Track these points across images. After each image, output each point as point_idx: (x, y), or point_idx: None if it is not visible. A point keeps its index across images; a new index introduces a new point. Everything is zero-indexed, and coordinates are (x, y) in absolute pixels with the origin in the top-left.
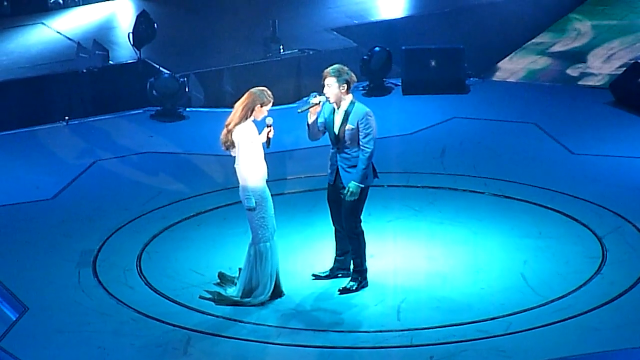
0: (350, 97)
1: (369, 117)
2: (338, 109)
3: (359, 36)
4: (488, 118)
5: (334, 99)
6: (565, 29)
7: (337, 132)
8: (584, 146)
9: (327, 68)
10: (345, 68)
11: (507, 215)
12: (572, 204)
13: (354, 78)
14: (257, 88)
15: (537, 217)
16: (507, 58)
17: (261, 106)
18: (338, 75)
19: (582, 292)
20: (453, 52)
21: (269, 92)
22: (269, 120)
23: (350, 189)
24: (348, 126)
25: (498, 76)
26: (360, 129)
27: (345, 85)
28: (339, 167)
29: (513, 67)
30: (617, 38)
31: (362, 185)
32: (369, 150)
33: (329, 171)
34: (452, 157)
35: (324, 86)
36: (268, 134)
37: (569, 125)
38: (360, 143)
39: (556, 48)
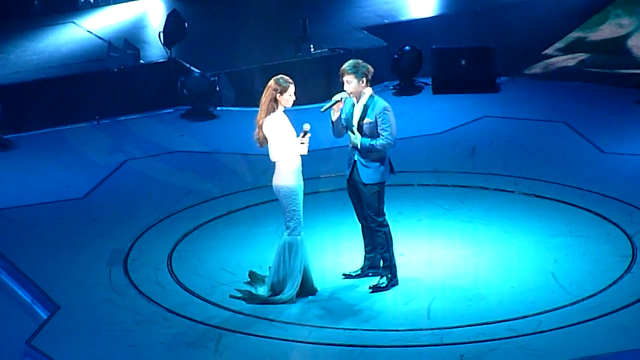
0: (369, 90)
1: (387, 112)
2: (357, 102)
3: (389, 35)
4: (518, 117)
5: (355, 93)
6: (603, 23)
7: (356, 126)
8: (614, 145)
9: (342, 65)
10: (360, 61)
11: (538, 214)
12: (602, 202)
13: (371, 69)
14: (273, 78)
15: (568, 216)
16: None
17: (281, 94)
18: (355, 70)
19: (613, 290)
20: (483, 51)
21: (285, 77)
22: (306, 127)
23: (355, 143)
24: (366, 120)
25: (529, 74)
26: (378, 123)
27: (364, 79)
28: (357, 161)
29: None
30: None
31: (366, 145)
32: (388, 140)
33: (346, 166)
34: (482, 156)
35: (343, 83)
36: (302, 140)
37: (599, 124)
38: (381, 136)
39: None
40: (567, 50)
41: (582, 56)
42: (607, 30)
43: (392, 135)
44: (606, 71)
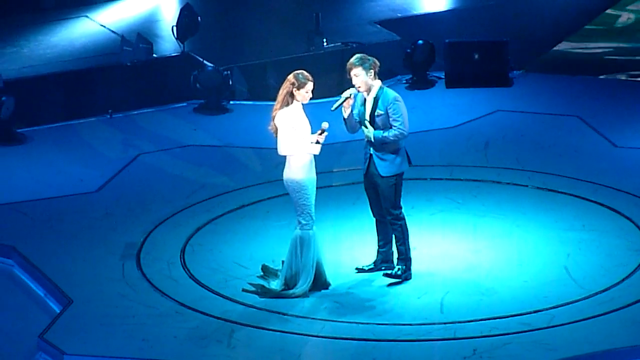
0: (378, 82)
1: (398, 102)
2: (368, 95)
3: (402, 29)
4: (531, 111)
5: (364, 87)
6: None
7: (369, 119)
8: (627, 139)
9: (349, 61)
10: (366, 55)
11: (551, 208)
12: (615, 196)
13: (377, 62)
14: (293, 73)
15: (581, 210)
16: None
17: (298, 89)
18: (362, 63)
19: (626, 284)
20: (497, 45)
21: (305, 74)
22: (325, 125)
23: (368, 136)
24: (378, 112)
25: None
26: (389, 114)
27: (372, 71)
28: (373, 155)
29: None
30: None
31: (379, 137)
32: (401, 130)
33: (363, 161)
34: (495, 150)
35: (351, 79)
36: (318, 138)
37: (612, 118)
38: (393, 127)
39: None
40: (583, 40)
41: (599, 45)
42: (626, 17)
43: (404, 125)
44: (623, 58)
